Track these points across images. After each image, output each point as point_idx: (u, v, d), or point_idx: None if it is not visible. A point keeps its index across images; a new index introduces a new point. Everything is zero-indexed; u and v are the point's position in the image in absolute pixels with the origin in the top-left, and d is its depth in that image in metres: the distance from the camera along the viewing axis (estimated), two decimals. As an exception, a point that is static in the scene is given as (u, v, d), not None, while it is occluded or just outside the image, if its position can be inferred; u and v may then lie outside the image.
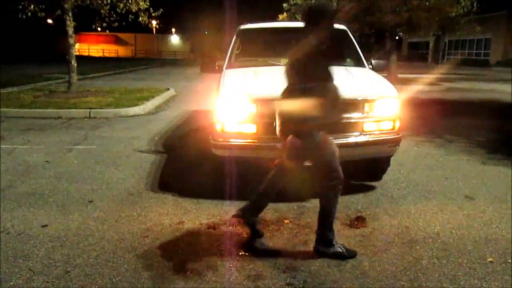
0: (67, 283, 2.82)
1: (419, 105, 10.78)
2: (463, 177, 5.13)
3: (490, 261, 3.13)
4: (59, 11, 12.10)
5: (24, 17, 12.19)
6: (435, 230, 3.65)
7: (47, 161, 5.67)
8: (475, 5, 21.49)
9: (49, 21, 14.10)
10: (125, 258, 3.14)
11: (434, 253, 3.25)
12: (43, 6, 12.16)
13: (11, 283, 2.81)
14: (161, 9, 14.02)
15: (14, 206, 4.13)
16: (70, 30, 11.81)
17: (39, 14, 12.27)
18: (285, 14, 34.64)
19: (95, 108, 9.60)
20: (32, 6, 11.94)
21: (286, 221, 3.81)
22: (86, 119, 9.08)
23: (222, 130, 4.25)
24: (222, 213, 3.99)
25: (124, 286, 2.80)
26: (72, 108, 9.62)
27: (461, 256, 3.20)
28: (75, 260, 3.10)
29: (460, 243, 3.41)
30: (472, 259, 3.16)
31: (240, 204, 4.08)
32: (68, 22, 11.71)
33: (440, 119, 9.36)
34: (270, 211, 4.00)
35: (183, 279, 2.88)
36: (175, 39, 70.23)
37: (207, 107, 8.18)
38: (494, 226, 3.74)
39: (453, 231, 3.63)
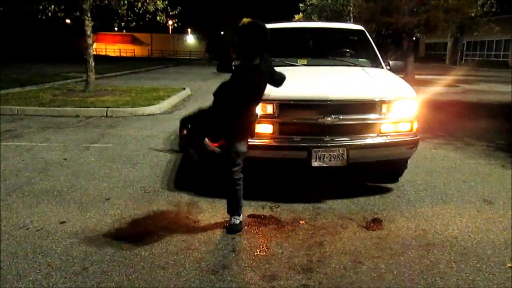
0: (85, 279, 2.85)
1: (437, 107, 10.66)
2: (482, 181, 5.05)
3: (510, 267, 3.07)
4: (77, 11, 12.24)
5: (43, 17, 12.37)
6: (453, 234, 3.60)
7: (65, 159, 5.75)
8: (494, 5, 21.17)
9: (67, 21, 14.27)
10: (141, 256, 3.16)
11: (452, 257, 3.20)
12: (62, 7, 12.32)
13: (30, 278, 2.86)
14: (179, 7, 14.08)
15: (33, 202, 4.20)
16: (89, 30, 11.95)
17: (59, 15, 12.44)
18: (301, 14, 34.57)
19: (112, 107, 9.70)
20: (52, 7, 12.11)
21: (301, 222, 3.80)
22: (103, 117, 9.18)
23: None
24: (237, 213, 3.98)
25: (141, 284, 2.82)
26: (89, 107, 9.74)
27: (479, 261, 3.15)
28: (93, 257, 3.14)
29: (479, 248, 3.36)
30: (491, 264, 3.11)
31: (256, 204, 4.11)
32: (86, 22, 11.85)
33: (458, 121, 9.24)
34: (285, 212, 3.99)
35: (199, 278, 2.89)
36: (190, 39, 70.54)
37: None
38: (514, 230, 3.68)
39: (471, 235, 3.58)
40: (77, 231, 3.57)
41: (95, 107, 9.72)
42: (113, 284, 2.81)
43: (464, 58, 43.07)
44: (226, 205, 3.69)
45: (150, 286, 2.80)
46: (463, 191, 4.70)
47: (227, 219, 3.74)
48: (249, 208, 4.04)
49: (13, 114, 9.27)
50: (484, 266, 3.09)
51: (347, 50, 5.92)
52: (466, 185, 4.88)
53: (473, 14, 19.80)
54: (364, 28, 6.21)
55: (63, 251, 3.22)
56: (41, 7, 12.08)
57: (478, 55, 42.06)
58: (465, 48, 43.36)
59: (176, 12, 13.94)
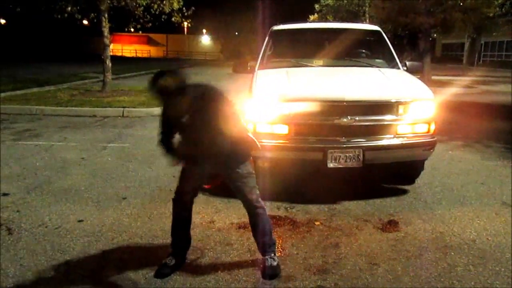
0: (102, 277, 2.89)
1: (454, 108, 10.52)
2: (500, 183, 4.97)
3: (529, 270, 3.03)
4: (94, 13, 12.39)
5: (60, 17, 12.54)
6: (471, 237, 3.55)
7: (83, 158, 5.83)
8: (513, 5, 20.83)
9: (85, 22, 14.46)
10: (158, 255, 3.18)
11: (470, 260, 3.16)
12: (78, 8, 12.47)
13: (49, 275, 2.91)
14: (193, 8, 14.16)
15: (51, 201, 4.27)
16: (106, 31, 12.09)
17: (76, 16, 12.60)
18: (316, 15, 34.46)
19: (129, 107, 9.80)
20: (69, 8, 12.27)
21: (317, 223, 3.79)
22: (119, 117, 9.28)
23: (254, 131, 4.26)
24: (252, 213, 3.99)
25: (157, 283, 2.84)
26: (106, 107, 9.86)
27: (498, 264, 3.11)
28: (110, 256, 3.18)
29: (497, 251, 3.31)
30: (510, 268, 3.06)
31: (271, 204, 4.11)
32: (103, 23, 11.99)
33: (476, 122, 9.11)
34: (300, 213, 3.99)
35: (214, 278, 2.90)
36: (206, 40, 70.75)
37: (238, 107, 8.23)
38: (534, 234, 3.62)
39: (489, 238, 3.53)
40: (94, 229, 3.62)
41: (111, 107, 9.83)
42: (130, 282, 2.84)
43: (481, 58, 42.40)
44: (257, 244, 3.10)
45: (166, 286, 2.82)
46: (481, 193, 4.63)
47: (242, 219, 3.75)
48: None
49: (32, 114, 9.43)
50: (503, 269, 3.04)
51: (363, 50, 5.88)
52: (484, 187, 4.82)
53: (491, 14, 19.46)
54: (380, 28, 6.17)
55: (81, 249, 3.27)
56: (58, 7, 12.25)
57: (496, 55, 41.34)
58: (482, 49, 42.67)
59: (190, 12, 14.02)
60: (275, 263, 2.94)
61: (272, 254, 2.98)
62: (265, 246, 2.98)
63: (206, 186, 3.24)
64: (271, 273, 2.90)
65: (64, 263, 3.07)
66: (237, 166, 2.87)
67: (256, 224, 2.99)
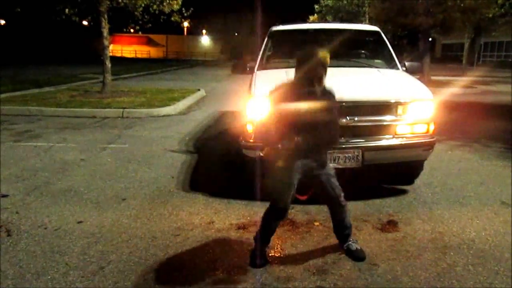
0: (102, 278, 2.89)
1: (453, 108, 10.53)
2: (500, 183, 4.98)
3: (529, 270, 3.03)
4: (94, 14, 12.39)
5: (58, 19, 12.53)
6: (470, 237, 3.55)
7: (82, 159, 5.83)
8: (513, 5, 20.82)
9: (84, 22, 14.46)
10: (157, 256, 3.19)
11: (469, 260, 3.16)
12: (77, 10, 12.45)
13: (48, 277, 2.90)
14: (192, 8, 14.18)
15: (50, 202, 4.27)
16: (105, 32, 12.09)
17: (73, 18, 12.59)
18: (315, 15, 34.47)
19: (128, 108, 9.80)
20: (67, 10, 12.26)
21: (316, 223, 3.79)
22: (119, 118, 9.28)
23: (253, 131, 4.27)
24: (252, 213, 4.00)
25: (157, 284, 2.85)
26: (106, 108, 9.86)
27: (497, 264, 3.11)
28: (109, 257, 3.18)
29: (497, 251, 3.31)
30: (509, 267, 3.06)
31: (270, 205, 4.08)
32: (103, 24, 11.99)
33: (475, 123, 9.11)
34: (300, 213, 3.99)
35: (213, 279, 2.90)
36: (205, 40, 70.89)
37: (237, 108, 8.24)
38: (533, 234, 3.62)
39: (489, 238, 3.53)
40: (94, 231, 3.62)
41: (111, 108, 9.84)
42: (130, 283, 2.84)
43: (481, 59, 42.42)
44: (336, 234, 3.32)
45: (165, 287, 2.83)
46: (480, 193, 4.64)
47: (241, 220, 3.75)
48: (263, 209, 4.02)
49: (32, 115, 9.43)
50: (502, 269, 3.04)
51: (363, 51, 5.90)
52: (483, 187, 4.82)
53: (490, 15, 19.47)
54: (380, 29, 6.18)
55: (80, 251, 3.27)
56: (56, 10, 12.25)
57: (496, 56, 41.40)
58: (482, 49, 42.64)
59: (189, 13, 14.04)
60: (359, 246, 3.23)
61: (351, 239, 3.27)
62: (349, 236, 3.27)
63: (301, 197, 3.45)
64: (362, 255, 3.16)
65: (64, 264, 3.07)
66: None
67: (344, 217, 3.21)
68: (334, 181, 3.10)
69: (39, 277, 2.90)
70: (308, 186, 3.23)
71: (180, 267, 3.05)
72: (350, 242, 3.24)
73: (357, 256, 3.16)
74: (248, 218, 3.90)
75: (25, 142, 6.83)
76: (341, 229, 3.27)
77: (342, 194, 3.15)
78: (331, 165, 4.03)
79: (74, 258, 3.16)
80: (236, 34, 50.69)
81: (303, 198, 3.52)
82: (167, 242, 3.43)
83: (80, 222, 3.80)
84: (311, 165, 2.99)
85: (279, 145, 2.87)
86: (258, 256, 3.10)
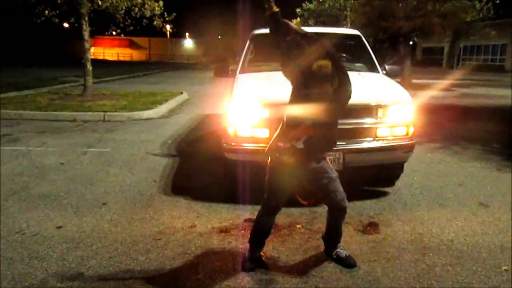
0: (81, 284, 2.85)
1: (433, 111, 10.69)
2: (478, 184, 5.07)
3: (505, 269, 3.09)
4: (75, 16, 12.24)
5: (39, 21, 12.35)
6: (449, 237, 3.61)
7: (62, 163, 5.75)
8: (491, 10, 21.28)
9: (65, 25, 14.28)
10: (138, 261, 3.16)
11: (448, 261, 3.22)
12: (58, 12, 12.28)
13: (26, 284, 2.85)
14: (174, 14, 14.13)
15: (29, 207, 4.20)
16: (86, 35, 11.95)
17: (53, 20, 12.41)
18: (298, 19, 34.66)
19: (110, 111, 9.70)
20: (47, 12, 12.09)
21: (298, 226, 3.81)
22: (100, 122, 9.17)
23: (235, 134, 4.27)
24: (234, 217, 4.00)
25: (137, 288, 2.82)
26: (87, 111, 9.74)
27: (475, 264, 3.17)
28: (89, 262, 3.14)
29: (475, 251, 3.37)
30: (487, 267, 3.12)
31: (252, 208, 4.10)
32: (84, 27, 11.84)
33: (454, 125, 9.27)
34: (282, 216, 3.99)
35: (195, 283, 2.89)
36: (188, 43, 70.64)
37: (219, 111, 8.22)
38: (509, 233, 3.69)
39: (467, 239, 3.59)
40: (73, 236, 3.57)
41: (92, 112, 9.71)
42: (110, 288, 2.81)
43: (461, 62, 43.26)
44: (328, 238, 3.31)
45: (146, 291, 2.80)
46: (459, 194, 4.72)
47: (223, 223, 3.75)
48: (245, 212, 4.05)
49: (10, 118, 9.26)
50: (480, 269, 3.10)
51: (343, 54, 5.94)
52: (462, 189, 4.90)
53: (469, 19, 19.87)
54: (361, 32, 6.25)
55: (59, 256, 3.22)
56: (36, 11, 12.06)
57: (475, 59, 42.22)
58: (461, 53, 43.55)
59: (171, 18, 13.98)
60: (347, 253, 3.21)
61: (340, 247, 3.25)
62: (338, 243, 3.25)
63: (303, 202, 3.41)
64: (353, 262, 3.14)
65: (42, 270, 3.02)
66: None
67: (339, 221, 3.18)
68: (337, 184, 3.05)
69: (17, 284, 2.85)
70: (312, 192, 3.19)
71: (161, 271, 3.03)
72: (339, 249, 3.21)
73: (348, 263, 3.12)
74: (230, 221, 3.90)
75: (4, 146, 6.69)
76: (333, 235, 3.24)
77: (345, 198, 3.08)
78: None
79: (53, 264, 3.11)
80: (219, 37, 50.66)
81: (304, 203, 3.49)
82: (148, 246, 3.41)
83: (59, 227, 3.74)
84: (311, 167, 2.96)
85: (281, 144, 2.87)
86: (248, 259, 3.09)
